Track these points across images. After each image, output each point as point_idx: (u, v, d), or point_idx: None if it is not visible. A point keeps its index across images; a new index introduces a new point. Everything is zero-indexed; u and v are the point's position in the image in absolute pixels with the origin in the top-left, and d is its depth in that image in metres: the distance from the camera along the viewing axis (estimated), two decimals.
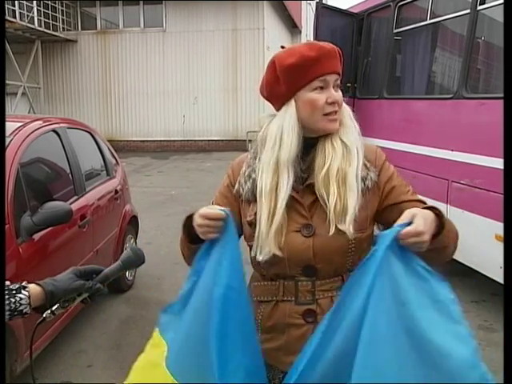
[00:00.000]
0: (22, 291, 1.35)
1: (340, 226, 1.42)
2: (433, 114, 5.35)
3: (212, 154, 19.35)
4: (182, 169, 15.57)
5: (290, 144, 1.46)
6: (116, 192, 5.15)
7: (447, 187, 4.94)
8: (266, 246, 1.45)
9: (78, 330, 4.32)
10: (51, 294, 1.38)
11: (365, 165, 1.48)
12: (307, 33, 31.27)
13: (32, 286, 1.38)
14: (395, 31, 6.03)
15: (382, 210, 1.52)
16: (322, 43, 1.48)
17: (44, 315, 1.41)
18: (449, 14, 5.21)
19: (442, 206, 5.04)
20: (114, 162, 5.51)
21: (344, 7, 7.09)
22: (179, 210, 9.29)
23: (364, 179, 1.47)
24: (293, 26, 28.06)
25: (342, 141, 1.48)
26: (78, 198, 4.15)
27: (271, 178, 1.46)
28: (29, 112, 19.75)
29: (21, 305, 1.33)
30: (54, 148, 4.08)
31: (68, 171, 4.15)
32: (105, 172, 5.13)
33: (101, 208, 4.66)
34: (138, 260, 1.52)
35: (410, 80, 6.09)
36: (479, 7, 4.64)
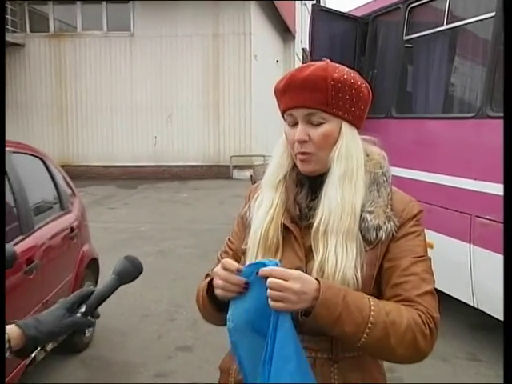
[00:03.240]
0: None
1: None
2: (451, 136, 5.40)
3: (189, 183, 19.37)
4: (152, 200, 15.57)
5: (273, 167, 1.65)
6: (72, 230, 5.12)
7: (470, 223, 4.96)
8: None
9: None
10: (33, 340, 1.37)
11: (384, 212, 1.54)
12: (302, 38, 31.73)
13: (10, 328, 1.36)
14: (406, 38, 6.13)
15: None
16: (310, 68, 1.53)
17: (33, 354, 1.42)
18: (470, 17, 5.28)
19: (463, 246, 5.06)
20: (69, 192, 5.49)
21: (345, 10, 7.21)
22: (150, 250, 9.24)
23: (377, 228, 1.52)
24: (285, 31, 28.42)
25: (343, 188, 1.53)
26: (25, 238, 4.12)
27: (260, 198, 1.65)
28: None
29: None
30: None
31: (12, 205, 4.12)
32: (58, 205, 5.11)
33: (52, 249, 4.62)
34: (135, 270, 1.56)
35: (423, 96, 6.16)
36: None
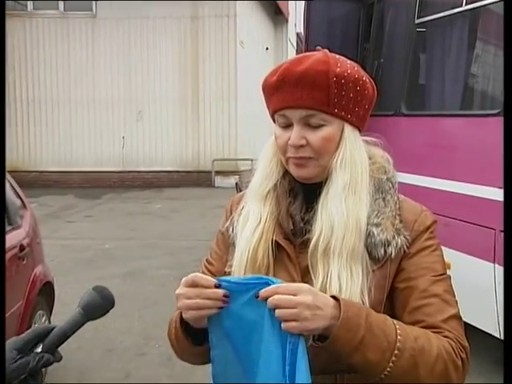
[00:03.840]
0: None
1: None
2: (472, 137, 5.42)
3: (163, 192, 19.35)
4: (120, 212, 15.57)
5: (261, 176, 1.66)
6: (21, 248, 5.08)
7: (494, 239, 4.97)
8: None
9: None
10: None
11: (392, 224, 1.55)
12: (296, 22, 31.81)
13: None
14: (418, 21, 6.15)
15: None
16: (307, 61, 1.53)
17: None
18: None
19: (486, 267, 5.07)
20: (18, 204, 5.46)
21: None
22: (116, 272, 9.20)
23: (386, 244, 1.53)
24: (276, 13, 28.48)
25: (347, 200, 1.53)
26: None
27: (245, 211, 1.65)
28: None
29: None
30: None
31: None
32: (5, 219, 5.06)
33: None
34: (105, 304, 1.53)
35: (438, 89, 6.18)
36: None
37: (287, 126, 1.55)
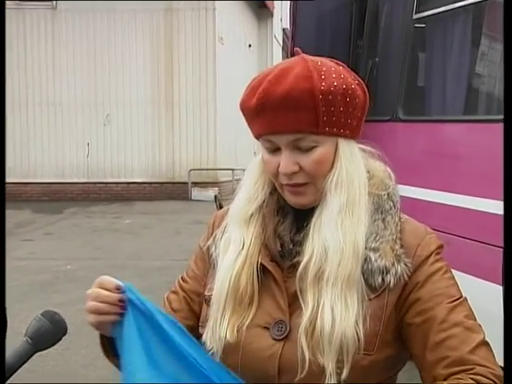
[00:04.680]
0: None
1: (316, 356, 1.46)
2: (477, 145, 5.44)
3: (134, 205, 19.32)
4: (84, 228, 15.54)
5: (243, 199, 1.65)
6: None
7: (502, 259, 4.99)
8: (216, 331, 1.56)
9: None
10: None
11: (392, 249, 1.54)
12: (282, 16, 31.90)
13: None
14: (417, 16, 6.19)
15: (401, 326, 1.55)
16: (288, 78, 1.49)
17: None
18: None
19: (494, 290, 5.08)
20: None
21: None
22: (80, 296, 9.03)
23: (384, 272, 1.52)
24: (260, 6, 28.59)
25: (343, 223, 1.52)
26: None
27: (228, 234, 1.65)
28: None
29: None
30: None
31: None
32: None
33: None
34: (56, 331, 1.53)
35: (439, 92, 6.20)
36: None
37: (275, 150, 1.54)
